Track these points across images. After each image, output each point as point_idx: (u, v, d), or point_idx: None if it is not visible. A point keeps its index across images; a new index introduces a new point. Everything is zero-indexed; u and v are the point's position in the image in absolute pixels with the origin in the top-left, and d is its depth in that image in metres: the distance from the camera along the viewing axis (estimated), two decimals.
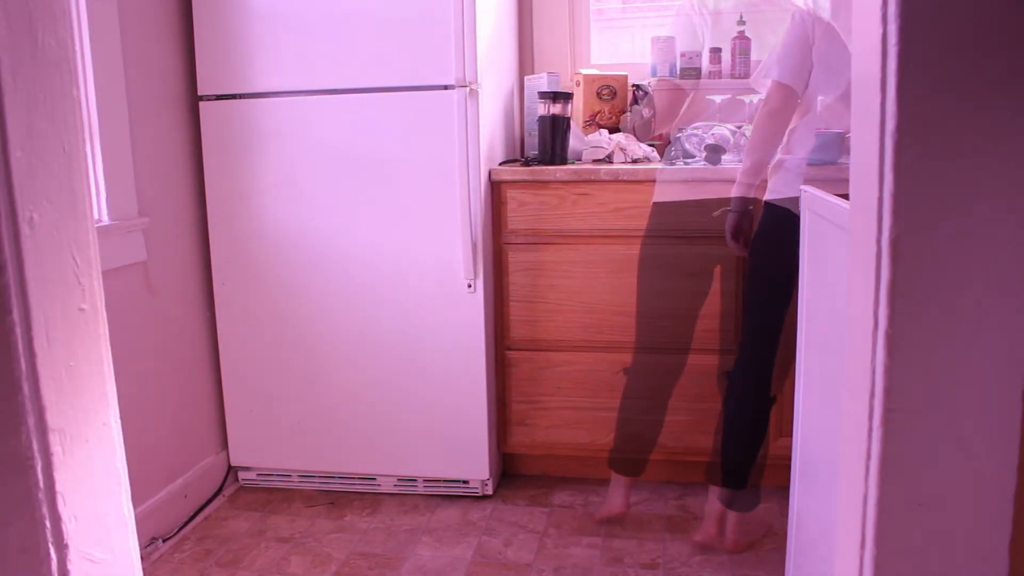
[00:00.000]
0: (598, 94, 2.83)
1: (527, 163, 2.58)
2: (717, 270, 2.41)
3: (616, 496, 2.45)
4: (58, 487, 0.76)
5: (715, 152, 2.45)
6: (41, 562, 0.75)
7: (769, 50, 2.20)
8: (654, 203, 2.37)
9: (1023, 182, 0.77)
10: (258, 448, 2.68)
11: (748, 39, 2.89)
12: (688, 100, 2.19)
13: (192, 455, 2.57)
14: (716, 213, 2.24)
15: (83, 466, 0.79)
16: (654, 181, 2.41)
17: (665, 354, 2.46)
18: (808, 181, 1.89)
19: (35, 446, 0.74)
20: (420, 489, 2.63)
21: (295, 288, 2.56)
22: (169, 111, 2.48)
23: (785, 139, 2.10)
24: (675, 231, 2.42)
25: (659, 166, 2.50)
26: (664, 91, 2.30)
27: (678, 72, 2.96)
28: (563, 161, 2.56)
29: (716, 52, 2.91)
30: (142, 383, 2.34)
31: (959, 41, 0.76)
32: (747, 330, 2.23)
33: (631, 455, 2.47)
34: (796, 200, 1.79)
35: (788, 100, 2.06)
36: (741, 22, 2.88)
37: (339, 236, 2.50)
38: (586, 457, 2.65)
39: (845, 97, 2.01)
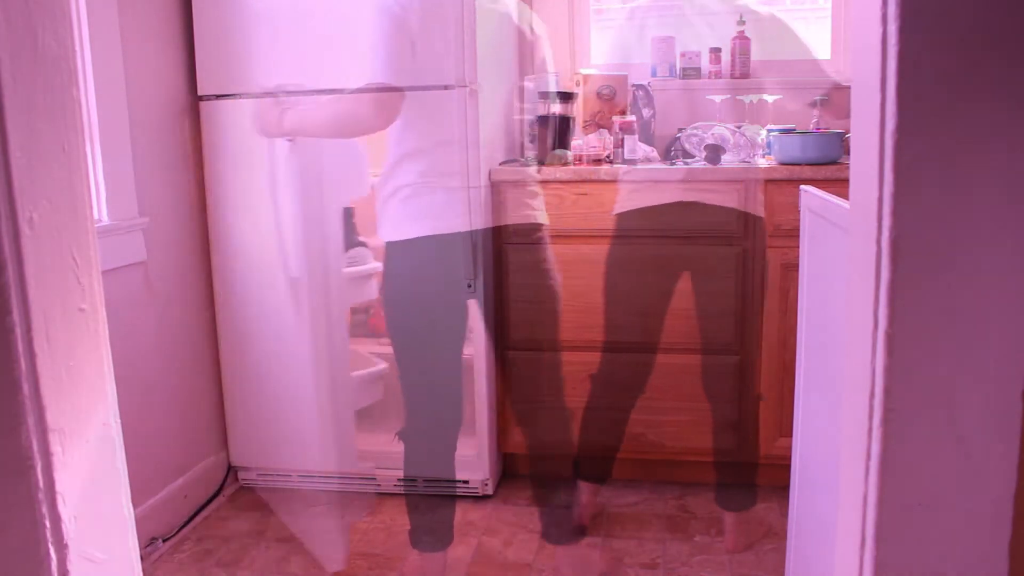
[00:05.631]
0: (598, 94, 2.83)
1: (527, 163, 2.58)
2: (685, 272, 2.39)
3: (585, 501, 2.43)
4: (58, 487, 0.76)
5: (715, 152, 2.45)
6: (41, 562, 0.75)
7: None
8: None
9: (1023, 182, 0.77)
10: (258, 448, 2.68)
11: (748, 39, 2.89)
12: None
13: (192, 455, 2.57)
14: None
15: (83, 466, 0.79)
16: (653, 181, 2.41)
17: (635, 353, 2.45)
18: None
19: (35, 446, 0.74)
20: (420, 489, 2.63)
21: (295, 287, 2.56)
22: (169, 111, 2.48)
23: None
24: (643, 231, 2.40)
25: (659, 167, 2.49)
26: None
27: (679, 72, 2.96)
28: (564, 161, 2.56)
29: (716, 52, 2.91)
30: (142, 383, 2.34)
31: (959, 41, 0.76)
32: None
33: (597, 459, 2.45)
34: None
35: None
36: (741, 22, 2.88)
37: (339, 235, 2.50)
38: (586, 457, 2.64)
39: None
